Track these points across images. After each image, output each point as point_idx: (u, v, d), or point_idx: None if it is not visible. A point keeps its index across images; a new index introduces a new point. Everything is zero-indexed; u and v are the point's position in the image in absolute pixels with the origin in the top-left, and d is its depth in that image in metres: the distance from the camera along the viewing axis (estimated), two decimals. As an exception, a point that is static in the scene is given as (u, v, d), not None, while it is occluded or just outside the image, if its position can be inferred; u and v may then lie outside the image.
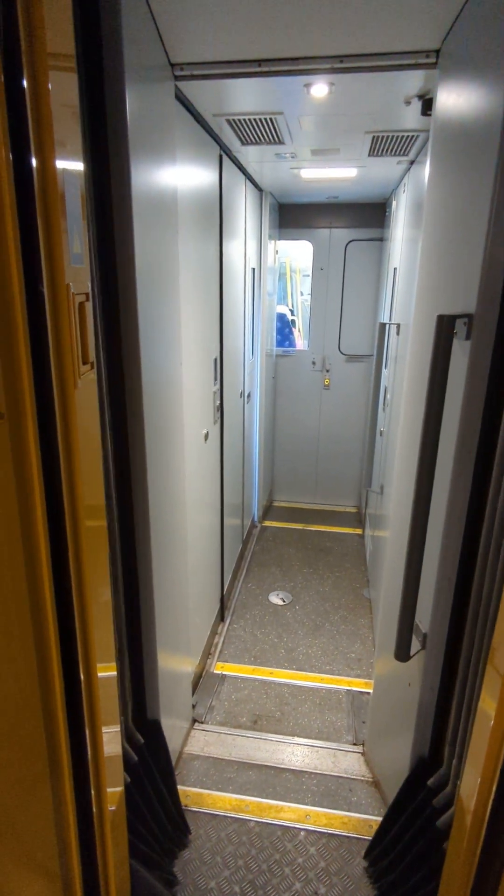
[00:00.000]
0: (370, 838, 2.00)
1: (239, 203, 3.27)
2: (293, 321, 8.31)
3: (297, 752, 2.47)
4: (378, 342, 3.44)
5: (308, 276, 5.57)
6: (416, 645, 1.64)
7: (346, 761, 2.42)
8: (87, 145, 1.28)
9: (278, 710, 2.72)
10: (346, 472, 5.23)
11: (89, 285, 0.99)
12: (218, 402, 2.95)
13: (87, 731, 1.08)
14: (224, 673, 2.98)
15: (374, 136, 2.52)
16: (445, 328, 1.33)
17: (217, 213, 2.70)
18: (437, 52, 1.65)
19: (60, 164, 0.83)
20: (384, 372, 3.52)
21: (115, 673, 1.27)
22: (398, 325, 3.03)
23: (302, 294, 9.81)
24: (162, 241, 1.73)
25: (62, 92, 0.84)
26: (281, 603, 3.68)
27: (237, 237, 3.26)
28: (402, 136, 2.52)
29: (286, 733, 2.57)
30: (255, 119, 2.31)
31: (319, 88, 1.91)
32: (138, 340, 1.52)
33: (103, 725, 1.14)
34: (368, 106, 2.12)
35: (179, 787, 2.19)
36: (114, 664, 1.26)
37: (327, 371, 5.02)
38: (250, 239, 3.72)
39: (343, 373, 5.00)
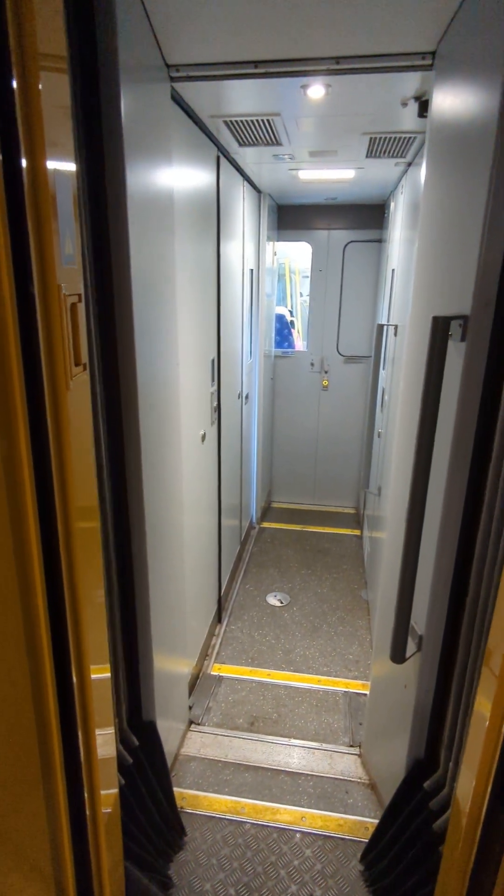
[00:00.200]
0: (366, 841, 2.00)
1: (237, 204, 3.27)
2: (292, 322, 8.31)
3: (293, 754, 2.46)
4: (376, 343, 3.44)
5: (307, 277, 5.57)
6: (412, 647, 1.64)
7: (342, 763, 2.41)
8: (80, 146, 1.28)
9: (275, 712, 2.71)
10: (345, 474, 5.23)
11: (82, 286, 0.99)
12: (215, 404, 2.95)
13: (80, 733, 1.08)
14: (221, 674, 2.98)
15: (371, 138, 2.53)
16: (441, 329, 1.33)
17: (214, 214, 2.70)
18: (433, 53, 1.65)
19: (52, 164, 0.83)
20: (382, 373, 3.52)
21: (109, 674, 1.27)
22: (396, 327, 3.03)
23: (302, 295, 9.82)
24: (158, 242, 1.72)
25: (54, 93, 0.84)
26: (279, 604, 3.67)
27: (235, 238, 3.26)
28: (400, 138, 2.52)
29: (283, 735, 2.57)
30: (252, 120, 2.31)
31: (316, 90, 1.91)
32: (133, 341, 1.52)
33: (97, 727, 1.13)
34: (365, 107, 2.12)
35: (175, 789, 2.18)
36: (108, 666, 1.26)
37: (326, 372, 5.02)
38: (248, 240, 3.72)
39: (341, 374, 5.00)
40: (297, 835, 2.08)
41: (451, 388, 1.37)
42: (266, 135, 2.52)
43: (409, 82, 1.84)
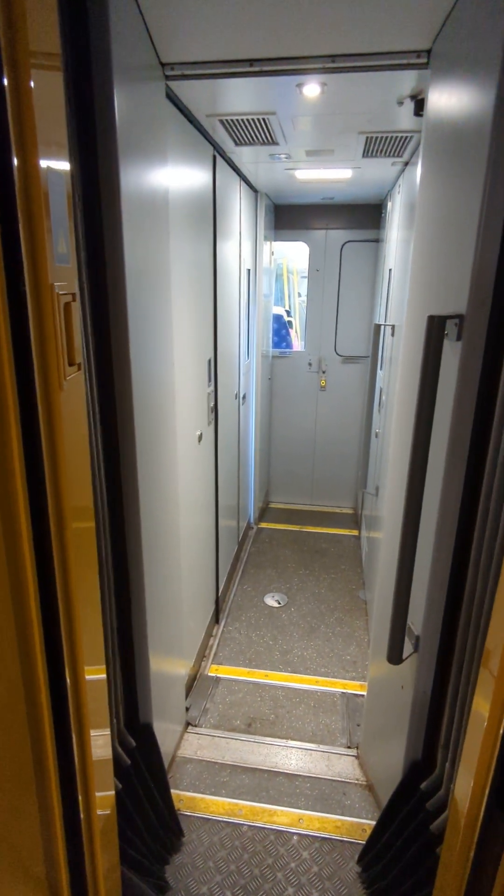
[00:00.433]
0: (363, 842, 1.99)
1: (233, 204, 3.27)
2: (290, 322, 8.30)
3: (291, 756, 2.45)
4: (373, 343, 3.44)
5: (305, 277, 5.57)
6: (409, 648, 1.64)
7: (340, 764, 2.41)
8: (74, 145, 1.27)
9: (272, 713, 2.71)
10: (343, 474, 5.22)
11: (76, 285, 0.98)
12: (212, 404, 2.94)
13: (75, 735, 1.07)
14: (218, 675, 2.97)
15: (367, 137, 2.52)
16: (436, 329, 1.33)
17: (211, 213, 2.70)
18: (429, 52, 1.65)
19: (44, 163, 0.82)
20: (380, 373, 3.52)
21: (104, 676, 1.26)
22: (393, 327, 3.03)
23: (300, 295, 9.82)
24: (153, 241, 1.72)
25: (46, 91, 0.83)
26: (276, 605, 3.67)
27: (232, 238, 3.25)
28: (396, 137, 2.51)
29: (280, 736, 2.56)
30: (248, 119, 2.31)
31: (312, 88, 1.91)
32: (128, 341, 1.51)
33: (92, 729, 1.12)
34: (361, 106, 2.12)
35: (172, 791, 2.17)
36: (103, 667, 1.25)
37: (323, 372, 5.01)
38: (245, 240, 3.71)
39: (339, 374, 5.00)
40: (295, 837, 2.07)
41: (448, 387, 1.37)
42: (262, 134, 2.52)
43: (405, 81, 1.83)
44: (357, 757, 2.45)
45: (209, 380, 2.85)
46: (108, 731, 1.29)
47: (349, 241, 4.65)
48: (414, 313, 1.82)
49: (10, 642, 0.88)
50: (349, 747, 2.50)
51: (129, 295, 1.48)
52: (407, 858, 1.64)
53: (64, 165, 0.92)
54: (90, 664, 1.10)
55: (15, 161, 0.76)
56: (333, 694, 2.85)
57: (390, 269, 3.31)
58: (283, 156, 2.95)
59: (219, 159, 2.76)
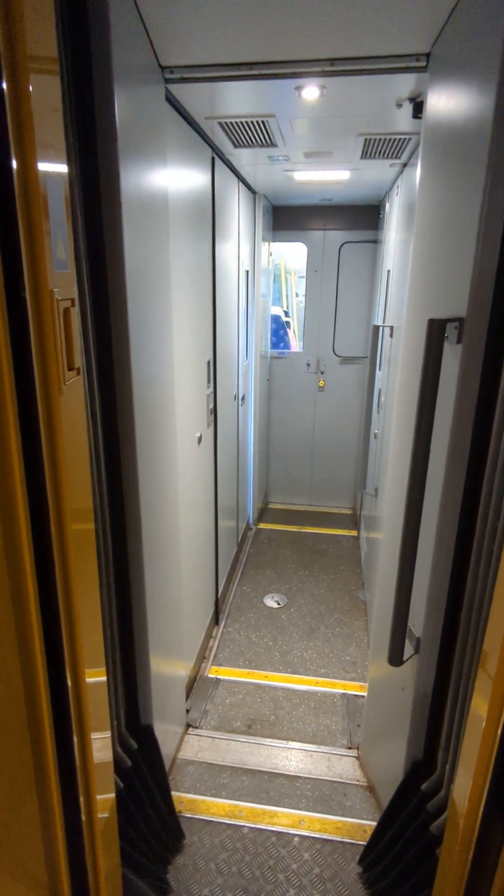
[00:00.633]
0: (364, 843, 1.99)
1: (232, 205, 3.27)
2: (288, 323, 8.30)
3: (291, 757, 2.46)
4: (372, 345, 3.44)
5: (303, 277, 5.57)
6: (409, 649, 1.64)
7: (340, 766, 2.41)
8: (73, 148, 1.27)
9: (273, 714, 2.71)
10: (342, 474, 5.23)
11: (75, 290, 0.98)
12: (211, 405, 2.94)
13: (75, 737, 1.07)
14: (218, 677, 2.97)
15: (366, 139, 2.53)
16: (436, 332, 1.33)
17: (210, 215, 2.70)
18: (428, 55, 1.65)
19: (43, 167, 0.82)
20: (378, 374, 3.52)
21: (104, 678, 1.26)
22: (391, 328, 3.03)
23: (298, 296, 9.81)
24: (153, 243, 1.72)
25: (45, 94, 0.84)
26: (276, 606, 3.67)
27: (230, 239, 3.26)
28: (395, 139, 2.52)
29: (281, 737, 2.56)
30: (246, 122, 2.31)
31: (311, 91, 1.91)
32: (128, 344, 1.52)
33: (93, 731, 1.13)
34: (360, 109, 2.12)
35: (173, 793, 2.17)
36: (103, 669, 1.25)
37: (322, 373, 5.02)
38: (244, 241, 3.72)
39: (338, 375, 5.01)
40: (296, 838, 2.08)
41: (448, 389, 1.37)
42: (261, 136, 2.52)
43: (404, 84, 1.84)
44: (357, 758, 2.45)
45: (208, 381, 2.85)
46: (108, 733, 1.29)
47: (347, 242, 4.66)
48: (414, 315, 1.83)
49: (10, 644, 0.89)
50: (349, 748, 2.50)
51: (129, 296, 1.49)
52: (408, 859, 1.64)
53: (62, 169, 0.92)
54: (90, 666, 1.10)
55: (14, 165, 0.77)
56: (333, 695, 2.85)
57: (389, 271, 3.32)
58: (281, 158, 2.95)
59: (217, 161, 2.76)
